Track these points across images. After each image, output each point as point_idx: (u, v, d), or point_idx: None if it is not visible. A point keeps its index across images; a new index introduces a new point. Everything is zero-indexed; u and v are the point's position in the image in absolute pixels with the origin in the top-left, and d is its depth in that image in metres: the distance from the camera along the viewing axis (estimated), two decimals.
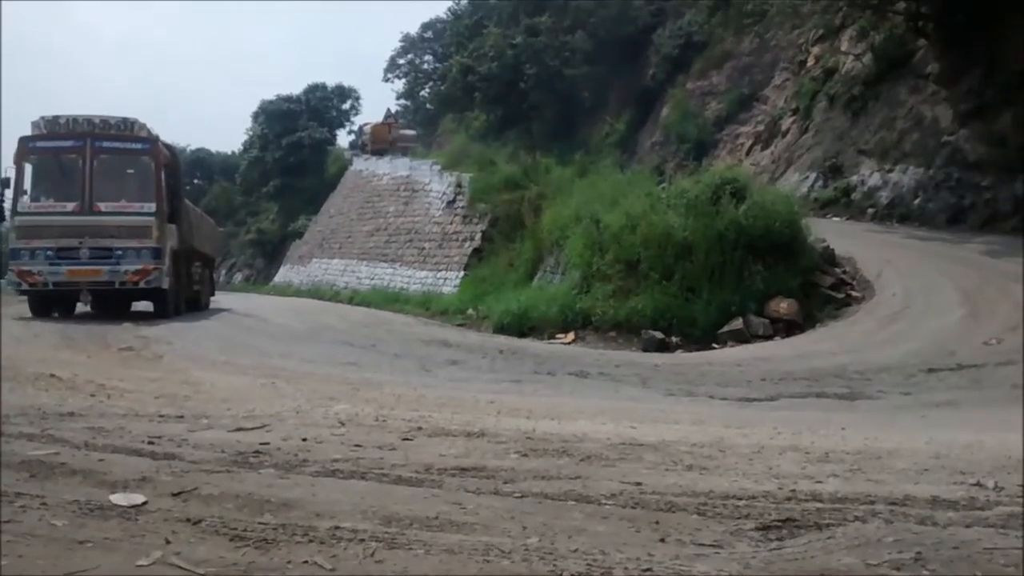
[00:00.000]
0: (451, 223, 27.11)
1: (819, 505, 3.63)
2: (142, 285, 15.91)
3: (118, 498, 3.52)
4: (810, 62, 27.17)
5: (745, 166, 24.86)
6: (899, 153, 20.75)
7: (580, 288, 15.43)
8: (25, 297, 16.54)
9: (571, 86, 36.52)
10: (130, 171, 16.67)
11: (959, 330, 11.37)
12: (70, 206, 15.78)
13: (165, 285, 16.17)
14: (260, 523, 3.26)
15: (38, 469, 3.99)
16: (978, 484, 3.99)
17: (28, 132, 16.28)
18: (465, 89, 38.32)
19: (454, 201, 27.31)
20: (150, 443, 4.73)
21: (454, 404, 6.91)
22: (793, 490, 3.90)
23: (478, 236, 24.92)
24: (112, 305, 17.61)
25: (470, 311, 19.87)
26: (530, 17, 37.48)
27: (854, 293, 14.31)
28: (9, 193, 16.05)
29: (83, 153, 15.85)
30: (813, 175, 23.54)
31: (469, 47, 39.50)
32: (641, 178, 20.56)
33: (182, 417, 5.76)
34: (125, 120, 16.44)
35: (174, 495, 3.63)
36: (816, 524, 3.37)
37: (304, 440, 4.94)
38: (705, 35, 33.26)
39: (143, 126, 16.61)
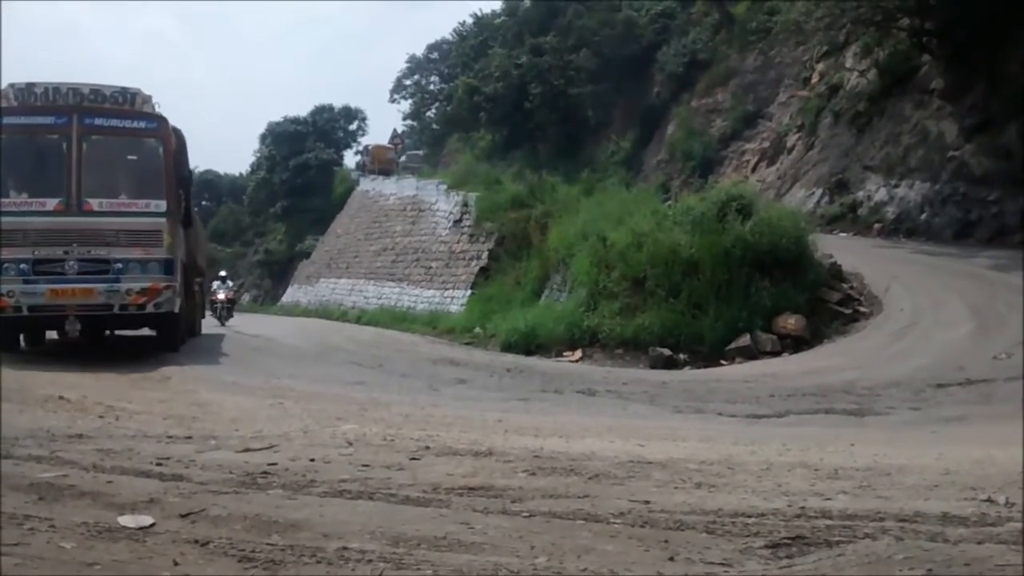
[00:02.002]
0: (458, 242, 27.15)
1: (829, 522, 3.62)
2: (149, 309, 11.86)
3: (127, 520, 3.52)
4: (815, 79, 27.23)
5: (751, 183, 24.85)
6: (905, 168, 20.75)
7: (587, 306, 15.42)
8: None
9: (576, 105, 36.64)
10: (131, 157, 12.78)
11: (968, 345, 11.32)
12: (51, 203, 11.64)
13: (177, 308, 12.46)
14: (268, 544, 3.26)
15: (47, 491, 4.00)
16: (989, 500, 3.97)
17: None
18: (471, 109, 38.51)
19: (460, 220, 27.37)
20: (158, 464, 4.74)
21: (462, 423, 6.90)
22: (802, 507, 3.88)
23: (485, 255, 24.94)
24: (106, 335, 14.30)
25: (477, 330, 19.86)
26: (535, 37, 37.68)
27: (862, 309, 14.27)
28: None
29: (68, 133, 11.74)
30: (819, 191, 23.55)
31: (474, 67, 39.76)
32: (647, 196, 20.60)
33: (190, 438, 5.78)
34: (124, 91, 12.36)
35: (182, 516, 3.63)
36: (826, 541, 3.35)
37: (312, 460, 4.94)
38: (710, 53, 33.40)
39: (147, 99, 12.48)
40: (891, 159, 21.29)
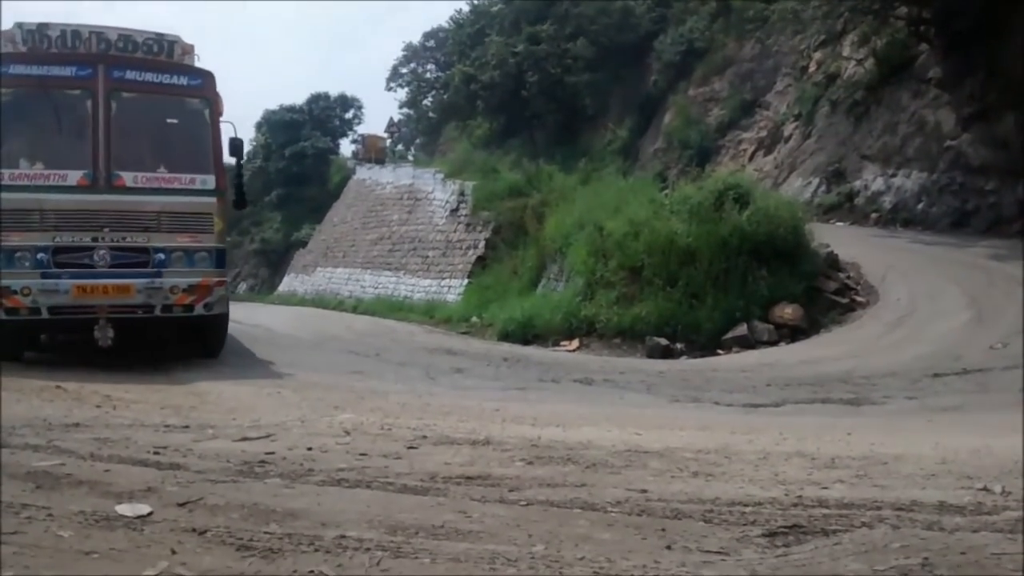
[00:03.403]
0: (455, 231, 27.13)
1: (825, 511, 3.63)
2: (198, 310, 9.71)
3: (124, 509, 3.52)
4: (812, 67, 27.17)
5: (748, 172, 24.83)
6: (902, 158, 20.74)
7: (584, 295, 15.42)
8: None
9: (573, 93, 36.55)
10: (171, 121, 10.58)
11: (964, 334, 11.34)
12: (73, 177, 9.36)
13: (227, 309, 10.36)
14: (266, 533, 3.26)
15: (44, 480, 4.00)
16: (985, 489, 3.98)
17: None
18: (468, 97, 38.42)
19: (457, 209, 27.35)
20: (156, 453, 4.74)
21: (459, 412, 6.91)
22: (799, 496, 3.89)
23: (482, 244, 24.93)
24: (143, 342, 11.08)
25: (474, 319, 19.87)
26: (532, 25, 37.54)
27: (858, 298, 14.29)
28: None
29: (93, 88, 9.46)
30: (816, 180, 23.54)
31: (471, 56, 39.61)
32: (644, 185, 20.57)
33: (187, 427, 5.77)
34: (160, 38, 10.17)
35: (180, 505, 3.63)
36: (823, 530, 3.36)
37: (309, 449, 4.95)
38: (707, 41, 33.27)
39: (188, 49, 10.33)
40: (888, 148, 21.28)
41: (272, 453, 4.80)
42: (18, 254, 9.05)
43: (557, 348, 14.62)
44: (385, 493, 3.97)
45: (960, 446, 5.14)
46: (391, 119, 57.38)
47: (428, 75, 57.66)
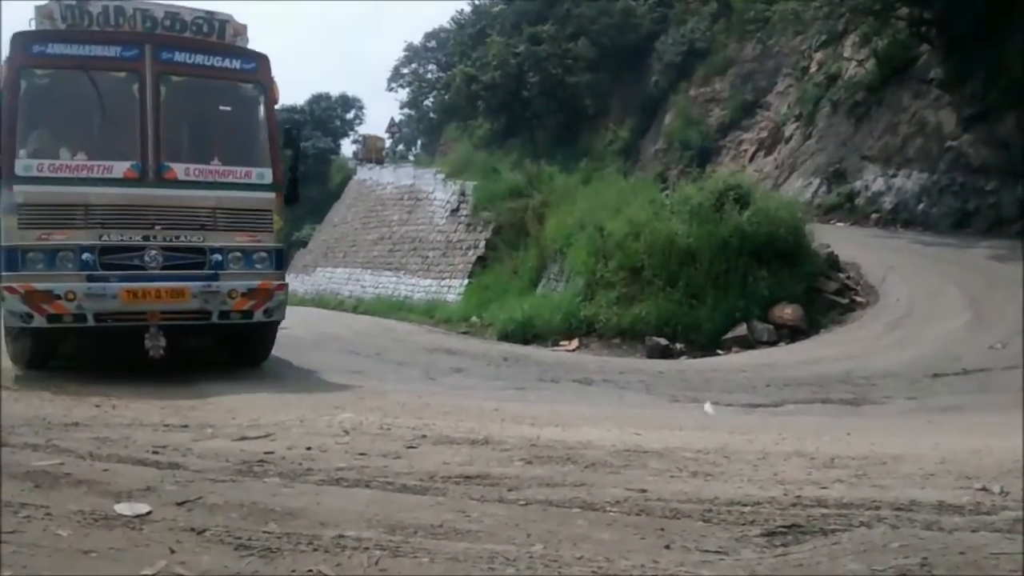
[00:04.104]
0: (455, 231, 27.12)
1: (824, 511, 3.63)
2: (258, 317, 8.90)
3: (123, 508, 3.53)
4: (813, 68, 27.17)
5: (748, 172, 24.84)
6: (902, 158, 20.73)
7: (584, 295, 15.40)
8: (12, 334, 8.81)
9: (574, 94, 36.55)
10: (224, 108, 9.79)
11: (964, 335, 11.34)
12: (119, 168, 8.44)
13: (285, 316, 9.51)
14: (265, 532, 3.27)
15: (43, 479, 4.00)
16: (984, 489, 3.98)
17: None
18: (468, 98, 38.40)
19: (458, 209, 27.33)
20: (155, 453, 4.74)
21: (458, 412, 6.91)
22: (798, 496, 3.89)
23: (482, 244, 24.91)
24: (195, 351, 10.46)
25: (474, 319, 19.85)
26: (533, 25, 37.53)
27: (858, 298, 14.28)
28: None
29: (140, 71, 8.54)
30: (817, 181, 23.52)
31: (472, 56, 39.57)
32: (644, 185, 20.56)
33: (187, 426, 5.78)
34: (210, 17, 9.19)
35: (178, 504, 3.64)
36: (822, 530, 3.36)
37: (308, 449, 4.95)
38: (708, 42, 33.28)
39: (241, 29, 9.38)
40: (889, 149, 21.27)
41: (271, 452, 4.80)
42: (61, 254, 8.16)
43: (557, 348, 14.60)
44: (384, 492, 3.97)
45: (959, 446, 5.14)
46: (392, 119, 57.37)
47: (429, 75, 57.61)
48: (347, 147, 57.22)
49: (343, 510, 3.60)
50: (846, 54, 25.05)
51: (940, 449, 5.05)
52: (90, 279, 8.15)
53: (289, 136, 9.98)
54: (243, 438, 5.31)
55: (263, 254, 8.96)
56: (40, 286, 8.02)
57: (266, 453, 4.77)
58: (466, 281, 24.36)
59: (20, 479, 3.97)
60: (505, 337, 16.31)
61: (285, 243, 9.35)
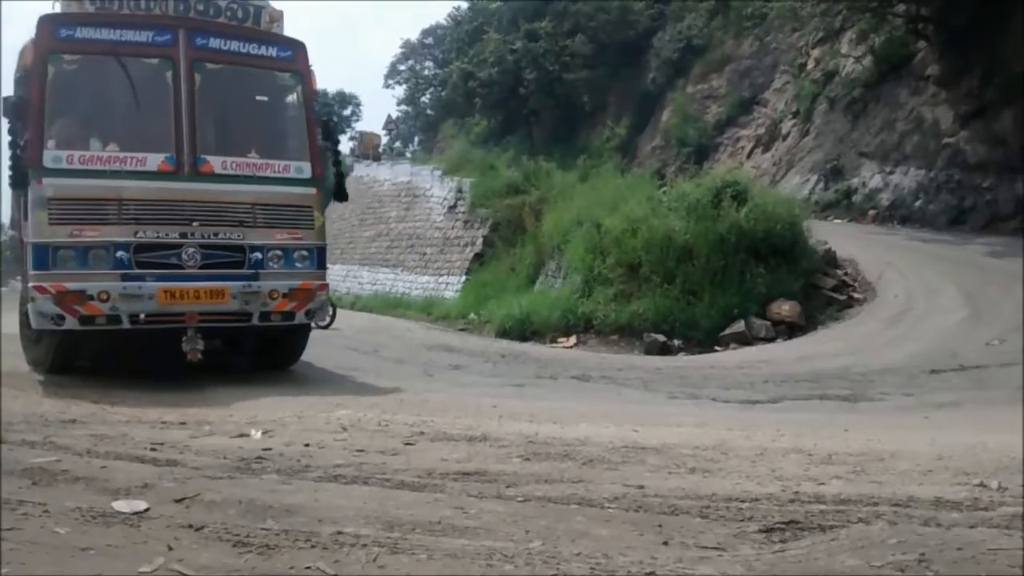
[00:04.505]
0: (452, 228, 27.10)
1: (822, 507, 3.63)
2: (299, 319, 8.48)
3: (120, 505, 3.52)
4: (810, 65, 27.20)
5: (746, 169, 24.85)
6: (900, 155, 20.76)
7: (582, 292, 15.40)
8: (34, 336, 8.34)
9: (571, 90, 36.56)
10: (260, 99, 9.36)
11: (961, 331, 11.36)
12: (153, 161, 7.95)
13: (327, 318, 9.14)
14: (263, 529, 3.26)
15: (40, 476, 4.00)
16: (981, 485, 3.98)
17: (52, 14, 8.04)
18: (466, 94, 38.42)
19: (455, 206, 27.31)
20: (152, 449, 4.74)
21: (456, 408, 6.90)
22: (796, 492, 3.89)
23: (479, 241, 24.90)
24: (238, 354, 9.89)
25: (472, 316, 19.84)
26: (530, 22, 37.53)
27: (856, 295, 14.30)
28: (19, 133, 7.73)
29: (174, 57, 8.09)
30: (814, 177, 23.56)
31: (469, 53, 39.60)
32: (642, 182, 20.54)
33: (184, 423, 5.77)
34: (245, 1, 8.73)
35: (176, 501, 3.63)
36: (819, 526, 3.37)
37: (307, 445, 4.95)
38: (705, 39, 33.30)
39: (277, 16, 8.99)
40: (886, 146, 21.30)
41: (269, 449, 4.80)
42: (93, 252, 7.61)
43: (555, 345, 14.61)
44: (382, 489, 3.97)
45: (957, 442, 5.15)
46: (389, 116, 57.24)
47: (426, 72, 57.59)
48: (344, 144, 57.21)
49: (341, 507, 3.60)
50: (843, 51, 25.09)
51: (937, 445, 5.05)
52: (125, 278, 7.63)
53: (328, 128, 9.33)
54: (241, 435, 5.30)
55: (304, 252, 8.54)
56: (72, 286, 7.47)
57: (264, 450, 4.77)
58: (464, 278, 24.35)
59: (18, 476, 3.97)
60: (503, 334, 16.31)
61: (325, 241, 9.00)
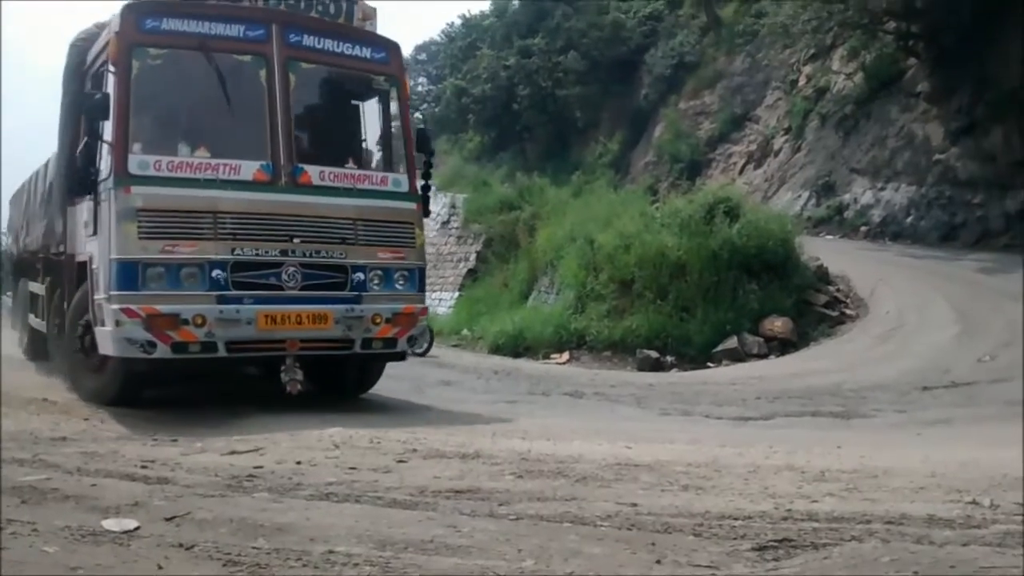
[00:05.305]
0: (445, 244, 27.10)
1: (815, 525, 3.62)
2: (400, 346, 7.81)
3: (110, 524, 3.50)
4: (802, 81, 27.34)
5: (738, 185, 24.94)
6: (891, 171, 20.87)
7: (575, 308, 15.43)
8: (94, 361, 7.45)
9: (564, 107, 36.69)
10: (355, 103, 8.66)
11: (953, 348, 11.38)
12: (248, 169, 7.14)
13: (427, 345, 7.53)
14: (254, 548, 3.24)
15: (30, 495, 3.97)
16: (974, 502, 3.98)
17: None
18: (459, 110, 38.54)
19: (448, 222, 27.33)
20: (143, 467, 4.71)
21: (449, 425, 6.88)
22: (789, 510, 3.88)
23: (473, 257, 24.90)
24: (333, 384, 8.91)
25: (465, 332, 19.83)
26: (523, 39, 37.71)
27: (848, 311, 14.34)
28: (101, 136, 6.94)
29: (267, 54, 7.29)
30: (806, 194, 23.65)
31: (463, 69, 39.74)
32: (635, 198, 20.62)
33: (176, 441, 5.74)
34: None
35: (167, 520, 3.61)
36: (812, 544, 3.36)
37: (298, 463, 4.92)
38: (697, 55, 33.45)
39: (371, 13, 8.16)
40: (877, 162, 21.41)
41: (260, 467, 4.77)
42: (186, 271, 6.79)
43: (547, 361, 14.61)
44: (374, 507, 3.95)
45: (949, 459, 5.15)
46: None
47: (419, 88, 57.74)
48: None
49: (333, 525, 3.58)
50: (834, 67, 25.25)
51: (930, 462, 5.05)
52: (221, 300, 6.84)
53: (423, 138, 8.56)
54: (232, 452, 5.27)
55: (405, 273, 7.84)
56: (164, 308, 6.66)
57: (255, 468, 4.74)
58: (457, 294, 24.32)
59: (7, 494, 3.94)
60: (496, 350, 16.30)
61: (425, 261, 8.38)
